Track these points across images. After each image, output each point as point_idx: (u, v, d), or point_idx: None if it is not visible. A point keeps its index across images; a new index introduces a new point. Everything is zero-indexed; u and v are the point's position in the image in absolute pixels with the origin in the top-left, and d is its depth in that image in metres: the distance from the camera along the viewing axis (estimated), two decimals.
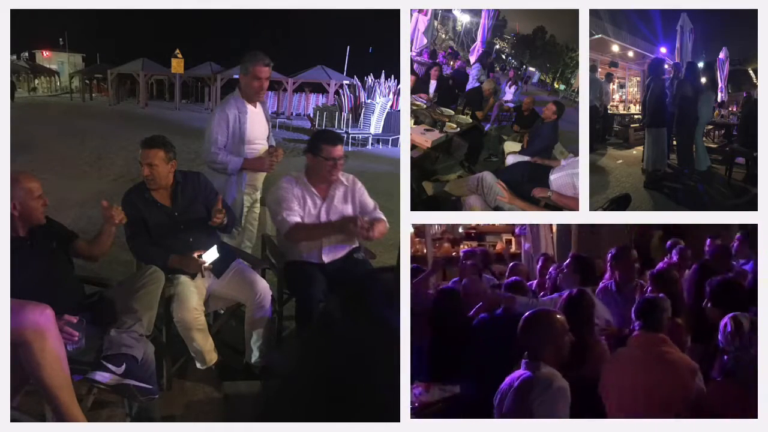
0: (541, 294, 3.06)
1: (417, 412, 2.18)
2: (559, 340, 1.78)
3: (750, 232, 3.18)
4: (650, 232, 4.13)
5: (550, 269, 3.29)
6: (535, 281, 3.41)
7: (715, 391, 1.75)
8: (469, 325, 2.52)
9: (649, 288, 2.57)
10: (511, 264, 3.50)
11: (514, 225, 4.33)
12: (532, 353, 1.76)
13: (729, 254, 3.22)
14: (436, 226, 4.64)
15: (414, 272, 2.89)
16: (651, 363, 1.79)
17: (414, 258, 3.12)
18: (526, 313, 1.89)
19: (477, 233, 4.66)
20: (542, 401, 1.66)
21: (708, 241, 3.42)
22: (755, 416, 1.75)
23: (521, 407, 1.68)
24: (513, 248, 4.46)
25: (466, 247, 4.12)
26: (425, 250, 4.33)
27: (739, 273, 2.93)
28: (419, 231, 4.50)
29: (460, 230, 4.71)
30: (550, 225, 4.16)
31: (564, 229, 4.17)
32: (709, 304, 2.36)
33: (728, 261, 3.17)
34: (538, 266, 3.49)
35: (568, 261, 2.89)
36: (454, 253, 4.06)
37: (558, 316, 1.87)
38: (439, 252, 4.38)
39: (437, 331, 2.55)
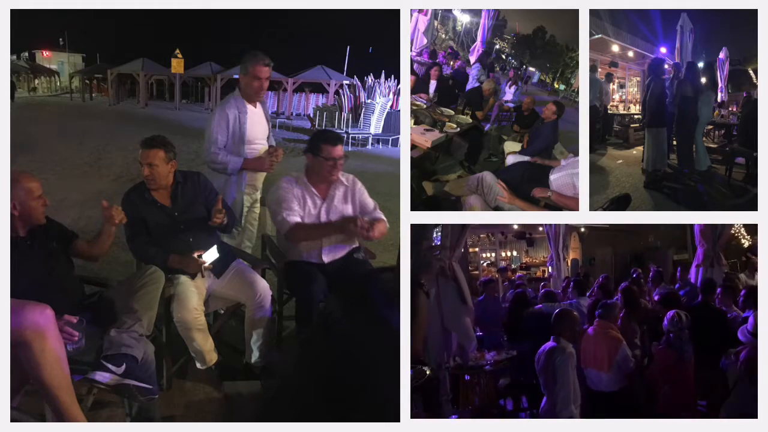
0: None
1: (492, 366, 3.42)
2: (574, 326, 2.88)
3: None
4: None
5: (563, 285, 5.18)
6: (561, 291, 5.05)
7: (660, 355, 2.97)
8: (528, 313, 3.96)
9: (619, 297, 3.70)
10: (542, 284, 5.53)
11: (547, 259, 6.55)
12: (557, 332, 2.82)
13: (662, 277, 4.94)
14: (502, 263, 7.09)
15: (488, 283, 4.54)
16: (601, 335, 3.04)
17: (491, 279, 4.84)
18: (556, 310, 2.97)
19: (527, 265, 7.23)
20: (560, 360, 2.72)
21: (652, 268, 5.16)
22: (684, 374, 2.84)
23: (549, 364, 2.75)
24: (546, 274, 6.65)
25: (519, 273, 6.50)
26: (497, 276, 6.45)
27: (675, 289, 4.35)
28: (494, 263, 7.02)
29: (514, 265, 7.25)
30: (567, 261, 6.12)
31: (575, 264, 6.34)
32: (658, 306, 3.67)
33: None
34: (570, 287, 4.91)
35: (571, 284, 4.44)
36: (513, 277, 6.27)
37: (574, 312, 2.98)
38: (506, 277, 6.65)
39: (510, 316, 4.16)
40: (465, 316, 3.15)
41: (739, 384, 2.73)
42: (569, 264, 6.19)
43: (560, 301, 4.38)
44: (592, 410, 2.87)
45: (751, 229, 5.69)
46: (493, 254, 7.12)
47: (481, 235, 6.91)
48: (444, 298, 3.06)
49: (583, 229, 6.56)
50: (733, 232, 5.59)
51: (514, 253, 7.35)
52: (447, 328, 3.15)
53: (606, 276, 4.65)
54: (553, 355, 2.76)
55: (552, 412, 2.74)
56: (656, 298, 3.94)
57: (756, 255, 4.84)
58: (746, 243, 6.08)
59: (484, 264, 7.04)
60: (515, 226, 6.80)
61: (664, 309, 3.30)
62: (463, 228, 3.09)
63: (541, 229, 6.51)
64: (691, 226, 5.03)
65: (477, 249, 6.89)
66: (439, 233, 3.14)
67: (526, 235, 7.10)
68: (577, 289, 4.26)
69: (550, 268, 6.34)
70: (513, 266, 7.23)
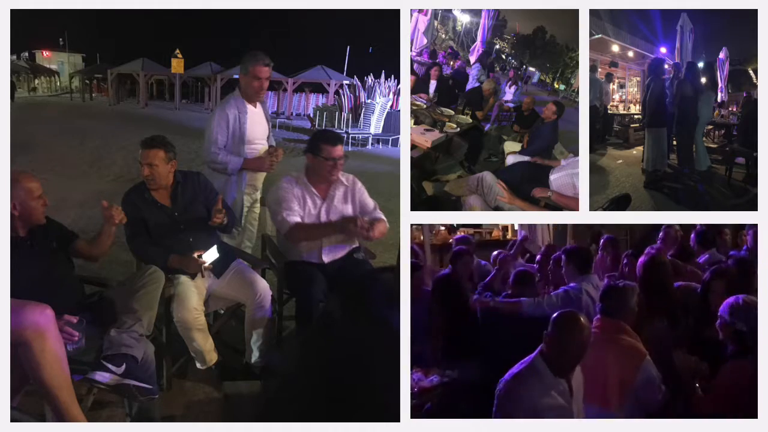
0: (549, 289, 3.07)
1: (417, 397, 2.19)
2: (585, 341, 1.78)
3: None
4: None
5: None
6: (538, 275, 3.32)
7: (733, 372, 1.86)
8: (467, 311, 2.57)
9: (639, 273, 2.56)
10: (498, 253, 3.49)
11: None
12: (541, 353, 1.78)
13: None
14: None
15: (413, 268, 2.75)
16: (607, 345, 1.92)
17: (418, 245, 3.29)
18: (556, 314, 1.84)
19: None
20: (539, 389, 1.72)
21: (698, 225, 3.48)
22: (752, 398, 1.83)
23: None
24: (509, 235, 4.53)
25: (461, 233, 4.21)
26: (422, 237, 4.42)
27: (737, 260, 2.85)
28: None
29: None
30: None
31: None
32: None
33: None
34: (538, 257, 3.51)
35: (563, 257, 2.85)
36: (450, 240, 4.05)
37: (588, 329, 1.82)
38: (436, 239, 4.41)
39: (436, 318, 2.62)
40: None
41: None
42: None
43: (541, 284, 3.02)
44: None
45: None
46: None
47: None
48: None
49: None
50: None
51: None
52: None
53: (611, 238, 3.20)
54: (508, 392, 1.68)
55: None
56: (707, 276, 2.47)
57: None
58: None
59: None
60: None
61: (721, 294, 2.11)
62: None
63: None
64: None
65: None
66: None
67: None
68: (573, 262, 2.66)
69: (519, 226, 4.34)
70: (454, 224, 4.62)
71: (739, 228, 3.65)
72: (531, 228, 4.16)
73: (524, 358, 1.79)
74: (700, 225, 3.48)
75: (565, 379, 1.74)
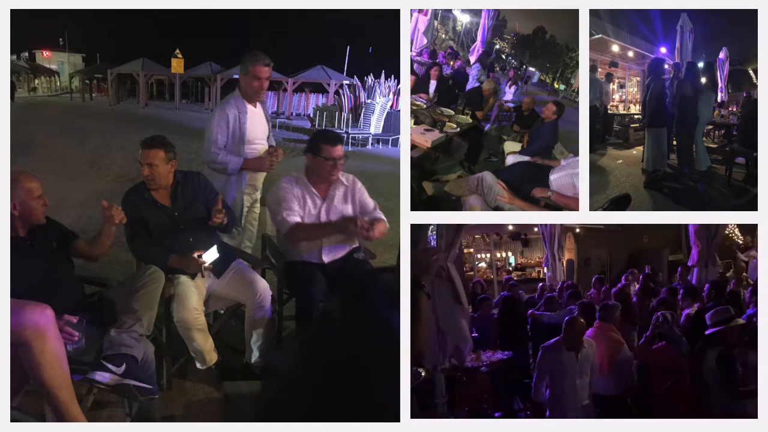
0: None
1: (488, 367, 3.57)
2: (580, 333, 2.96)
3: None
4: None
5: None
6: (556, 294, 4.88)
7: (661, 351, 3.02)
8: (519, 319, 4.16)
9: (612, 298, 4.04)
10: (540, 285, 5.38)
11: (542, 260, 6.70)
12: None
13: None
14: (498, 263, 7.06)
15: (483, 300, 4.33)
16: (601, 337, 3.12)
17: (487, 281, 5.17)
18: (567, 317, 3.08)
19: (522, 266, 7.18)
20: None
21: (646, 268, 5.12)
22: (684, 371, 2.92)
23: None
24: (541, 274, 6.73)
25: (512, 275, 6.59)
26: (492, 276, 6.76)
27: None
28: (489, 264, 7.01)
29: (512, 263, 7.29)
30: (562, 261, 6.16)
31: (570, 265, 6.27)
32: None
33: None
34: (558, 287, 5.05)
35: (568, 292, 4.41)
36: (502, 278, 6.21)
37: (581, 320, 3.06)
38: (499, 277, 6.74)
39: (502, 321, 4.18)
40: (461, 318, 3.19)
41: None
42: (564, 265, 6.24)
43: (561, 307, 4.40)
44: (594, 414, 3.01)
45: (744, 229, 5.66)
46: (488, 255, 7.19)
47: (476, 236, 6.90)
48: (439, 300, 3.05)
49: (578, 230, 6.47)
50: (727, 232, 5.54)
51: (509, 254, 7.47)
52: (442, 329, 3.15)
53: (599, 277, 4.81)
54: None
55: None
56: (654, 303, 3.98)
57: (743, 254, 4.94)
58: (741, 242, 5.97)
59: (479, 265, 7.01)
60: (510, 227, 6.81)
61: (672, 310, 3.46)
62: (457, 229, 3.11)
63: (536, 229, 6.54)
64: (686, 225, 5.10)
65: (472, 250, 6.96)
66: (434, 233, 3.13)
67: (521, 235, 7.12)
68: (573, 299, 4.26)
69: (545, 269, 6.38)
70: (509, 268, 7.24)
71: None
72: (553, 270, 5.97)
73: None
74: (647, 269, 5.07)
75: (573, 351, 2.90)
